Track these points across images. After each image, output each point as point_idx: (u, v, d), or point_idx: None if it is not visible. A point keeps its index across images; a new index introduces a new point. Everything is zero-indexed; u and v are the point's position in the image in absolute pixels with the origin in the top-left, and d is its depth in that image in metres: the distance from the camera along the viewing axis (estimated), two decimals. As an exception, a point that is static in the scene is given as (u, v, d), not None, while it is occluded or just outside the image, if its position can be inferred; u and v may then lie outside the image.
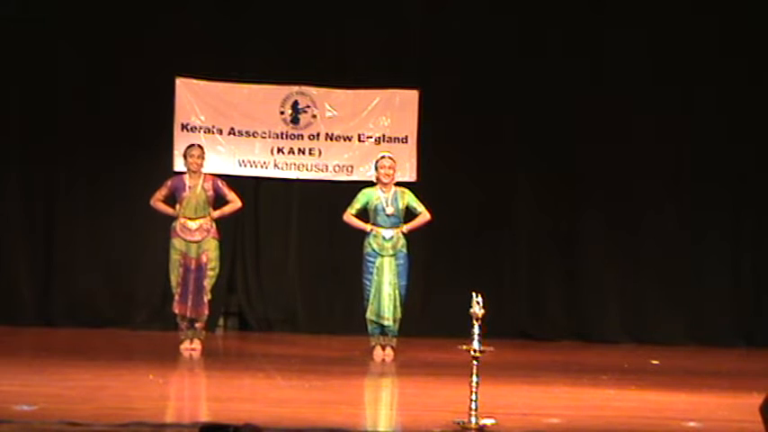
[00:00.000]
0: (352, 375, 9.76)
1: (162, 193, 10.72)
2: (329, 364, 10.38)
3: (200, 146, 10.97)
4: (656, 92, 12.84)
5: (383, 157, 10.81)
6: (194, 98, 12.49)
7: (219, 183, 10.78)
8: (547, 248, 12.94)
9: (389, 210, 10.58)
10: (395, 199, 10.63)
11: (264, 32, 12.73)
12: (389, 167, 10.68)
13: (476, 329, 6.87)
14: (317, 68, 12.67)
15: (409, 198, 10.70)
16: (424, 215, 10.72)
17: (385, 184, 10.65)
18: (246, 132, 12.58)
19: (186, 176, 10.73)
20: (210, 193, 10.66)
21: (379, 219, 10.61)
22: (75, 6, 12.52)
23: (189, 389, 9.28)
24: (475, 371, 6.86)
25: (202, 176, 10.70)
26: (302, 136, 12.63)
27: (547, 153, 12.84)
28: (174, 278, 10.60)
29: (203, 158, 10.78)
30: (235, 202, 10.86)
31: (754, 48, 12.76)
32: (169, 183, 10.80)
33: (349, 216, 10.72)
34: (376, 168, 10.81)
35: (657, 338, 12.55)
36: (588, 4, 12.86)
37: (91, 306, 12.48)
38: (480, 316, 6.88)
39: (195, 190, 10.62)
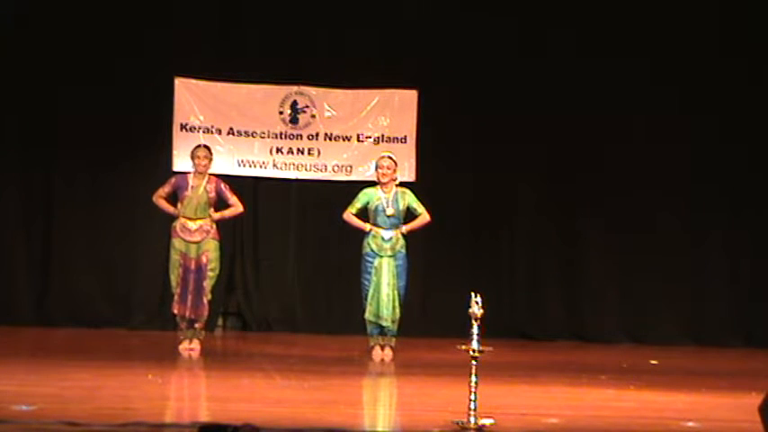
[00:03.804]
0: (350, 375, 9.75)
1: (165, 189, 10.71)
2: (328, 364, 10.37)
3: (206, 146, 10.92)
4: (656, 92, 12.83)
5: (383, 157, 10.81)
6: (193, 98, 12.49)
7: (222, 186, 10.75)
8: (546, 249, 12.94)
9: (390, 211, 10.58)
10: (396, 200, 10.63)
11: (263, 32, 12.73)
12: (388, 167, 10.67)
13: (475, 329, 6.87)
14: (316, 68, 12.67)
15: (410, 199, 10.70)
16: (424, 216, 10.71)
17: (385, 184, 10.64)
18: (245, 132, 12.58)
19: (191, 176, 10.72)
20: (212, 194, 10.64)
21: (379, 219, 10.61)
22: (75, 6, 12.51)
23: (188, 389, 9.27)
24: (474, 371, 6.86)
25: (206, 177, 10.68)
26: (301, 136, 12.63)
27: (546, 153, 12.83)
28: (174, 278, 10.59)
29: (209, 159, 10.74)
30: (236, 207, 10.84)
31: (754, 48, 12.76)
32: (173, 180, 10.80)
33: (349, 215, 10.71)
34: (376, 168, 10.81)
35: (656, 338, 12.55)
36: (587, 4, 12.84)
37: (89, 306, 12.47)
38: (479, 316, 6.88)
39: (197, 190, 10.60)
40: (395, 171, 10.75)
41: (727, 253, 12.94)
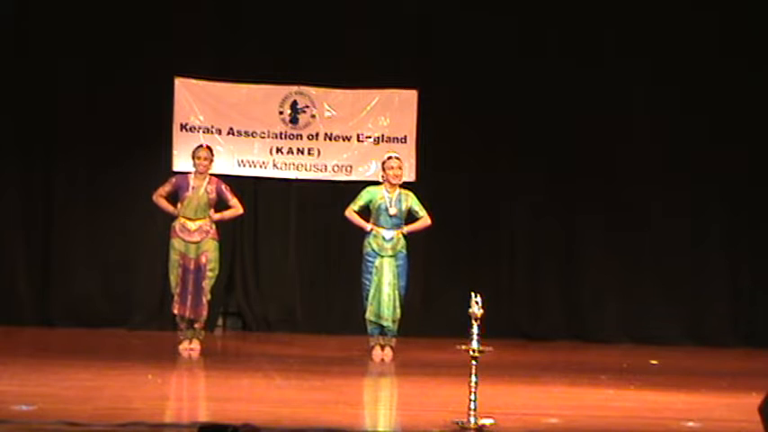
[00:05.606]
0: (351, 375, 9.75)
1: (165, 189, 10.70)
2: (328, 364, 10.37)
3: (208, 147, 10.89)
4: (656, 92, 12.84)
5: (390, 158, 10.75)
6: (193, 98, 12.49)
7: (223, 187, 10.74)
8: (546, 249, 12.94)
9: (392, 210, 10.57)
10: (399, 200, 10.62)
11: (263, 32, 12.72)
12: (398, 167, 10.66)
13: (475, 329, 6.87)
14: (316, 68, 12.66)
15: (412, 201, 10.69)
16: (425, 219, 10.71)
17: (392, 185, 10.63)
18: (245, 132, 12.58)
19: (191, 176, 10.71)
20: (213, 195, 10.64)
21: (381, 219, 10.60)
22: (75, 6, 12.51)
23: (187, 389, 9.27)
24: (474, 371, 6.86)
25: (207, 178, 10.68)
26: (301, 136, 12.63)
27: (546, 153, 12.84)
28: (174, 278, 10.58)
29: (210, 160, 10.73)
30: (236, 208, 10.83)
31: (753, 48, 12.76)
32: (174, 180, 10.79)
33: (351, 212, 10.70)
34: (383, 169, 10.76)
35: (656, 338, 12.54)
36: (588, 3, 12.84)
37: (89, 306, 12.47)
38: (479, 316, 6.88)
39: (198, 191, 10.60)
40: (402, 171, 10.76)
41: (727, 253, 12.93)
